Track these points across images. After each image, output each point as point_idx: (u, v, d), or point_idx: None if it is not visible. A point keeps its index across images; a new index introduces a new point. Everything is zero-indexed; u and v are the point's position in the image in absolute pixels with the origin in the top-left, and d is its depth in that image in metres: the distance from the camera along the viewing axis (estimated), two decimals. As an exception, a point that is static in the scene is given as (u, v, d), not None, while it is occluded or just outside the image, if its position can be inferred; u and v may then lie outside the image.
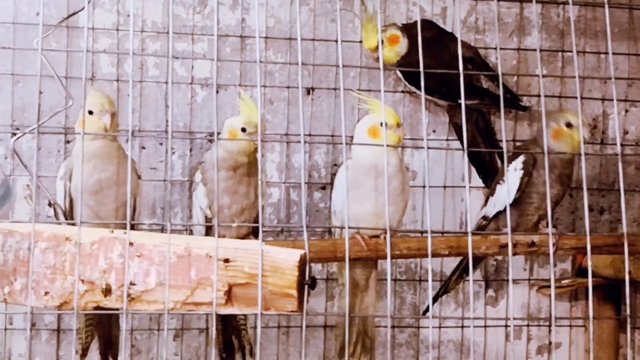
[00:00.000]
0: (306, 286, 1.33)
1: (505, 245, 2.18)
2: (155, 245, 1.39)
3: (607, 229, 2.60)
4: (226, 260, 1.36)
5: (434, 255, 2.18)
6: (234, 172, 2.11)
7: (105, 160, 2.05)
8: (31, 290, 1.42)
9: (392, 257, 2.23)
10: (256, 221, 2.15)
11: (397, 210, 2.16)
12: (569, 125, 2.18)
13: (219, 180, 2.09)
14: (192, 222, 2.20)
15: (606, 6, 1.55)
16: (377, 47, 2.43)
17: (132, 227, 2.09)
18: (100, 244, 1.41)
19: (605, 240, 2.23)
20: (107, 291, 1.41)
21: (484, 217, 2.31)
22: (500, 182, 2.27)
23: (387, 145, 2.06)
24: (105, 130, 2.04)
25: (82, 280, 1.40)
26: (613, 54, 2.55)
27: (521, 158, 2.23)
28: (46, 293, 1.43)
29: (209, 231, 2.16)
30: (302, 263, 1.33)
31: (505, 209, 2.23)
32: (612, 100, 2.61)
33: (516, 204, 2.23)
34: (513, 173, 2.23)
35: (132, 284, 1.39)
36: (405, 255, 2.19)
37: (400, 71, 2.48)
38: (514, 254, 2.26)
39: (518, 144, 2.58)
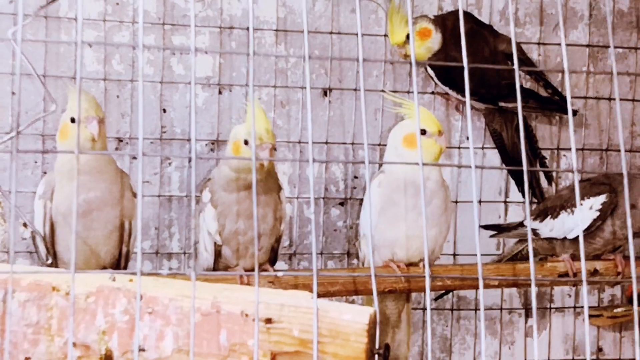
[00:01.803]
0: (377, 356, 1.00)
1: (565, 274, 1.88)
2: (171, 299, 1.06)
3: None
4: (268, 321, 1.03)
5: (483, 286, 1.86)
6: (248, 192, 1.74)
7: (95, 176, 1.69)
8: (7, 356, 1.09)
9: (432, 289, 1.92)
10: (275, 248, 1.82)
11: (440, 233, 1.83)
12: None
13: (230, 203, 1.74)
14: (199, 250, 1.83)
15: None
16: (404, 42, 2.11)
17: (127, 256, 1.78)
18: (98, 296, 1.09)
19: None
20: (107, 358, 1.07)
21: (535, 232, 1.96)
22: (567, 210, 1.92)
23: (422, 160, 1.76)
24: (92, 141, 1.69)
25: (75, 344, 1.07)
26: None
27: (602, 198, 1.89)
28: (27, 359, 1.10)
29: (217, 263, 1.80)
30: (372, 326, 1.00)
31: (564, 238, 1.91)
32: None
33: (576, 238, 1.92)
34: (587, 211, 1.89)
35: (141, 349, 1.06)
36: (447, 287, 1.88)
37: (433, 69, 2.16)
38: (574, 285, 1.94)
39: (563, 152, 2.26)
